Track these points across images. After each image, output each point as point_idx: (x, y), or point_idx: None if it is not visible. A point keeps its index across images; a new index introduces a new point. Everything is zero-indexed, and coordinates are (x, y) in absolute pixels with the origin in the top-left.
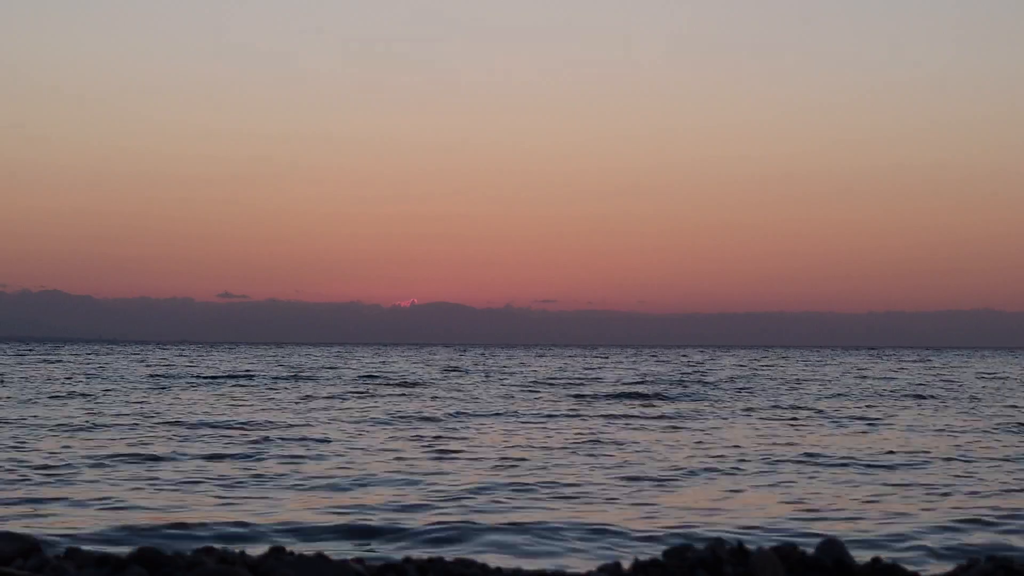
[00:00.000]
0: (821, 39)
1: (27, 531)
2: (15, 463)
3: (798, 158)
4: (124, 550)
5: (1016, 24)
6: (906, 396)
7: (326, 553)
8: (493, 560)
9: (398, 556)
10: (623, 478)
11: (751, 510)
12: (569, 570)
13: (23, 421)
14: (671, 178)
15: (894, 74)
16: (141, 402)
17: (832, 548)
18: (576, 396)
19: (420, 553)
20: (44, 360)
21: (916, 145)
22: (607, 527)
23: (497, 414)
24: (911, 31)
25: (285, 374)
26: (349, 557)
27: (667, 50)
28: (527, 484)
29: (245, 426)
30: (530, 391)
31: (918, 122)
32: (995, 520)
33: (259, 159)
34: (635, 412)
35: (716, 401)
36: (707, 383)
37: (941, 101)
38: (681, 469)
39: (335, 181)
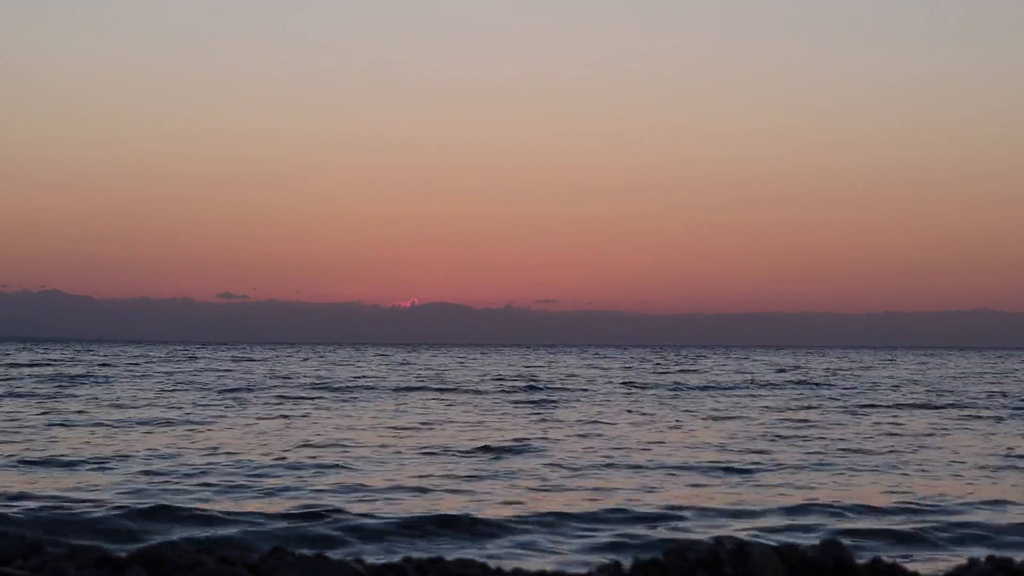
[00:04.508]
0: (824, 36)
1: None
2: None
3: (798, 157)
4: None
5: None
6: None
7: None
8: None
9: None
10: None
11: None
12: (569, 570)
13: None
14: (671, 178)
15: (895, 72)
16: None
17: (833, 548)
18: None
19: None
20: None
21: (916, 145)
22: None
23: None
24: (915, 28)
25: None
26: (350, 558)
27: (668, 49)
28: None
29: None
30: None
31: (918, 121)
32: None
33: (259, 159)
34: None
35: None
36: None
37: (942, 100)
38: None
39: (335, 181)
